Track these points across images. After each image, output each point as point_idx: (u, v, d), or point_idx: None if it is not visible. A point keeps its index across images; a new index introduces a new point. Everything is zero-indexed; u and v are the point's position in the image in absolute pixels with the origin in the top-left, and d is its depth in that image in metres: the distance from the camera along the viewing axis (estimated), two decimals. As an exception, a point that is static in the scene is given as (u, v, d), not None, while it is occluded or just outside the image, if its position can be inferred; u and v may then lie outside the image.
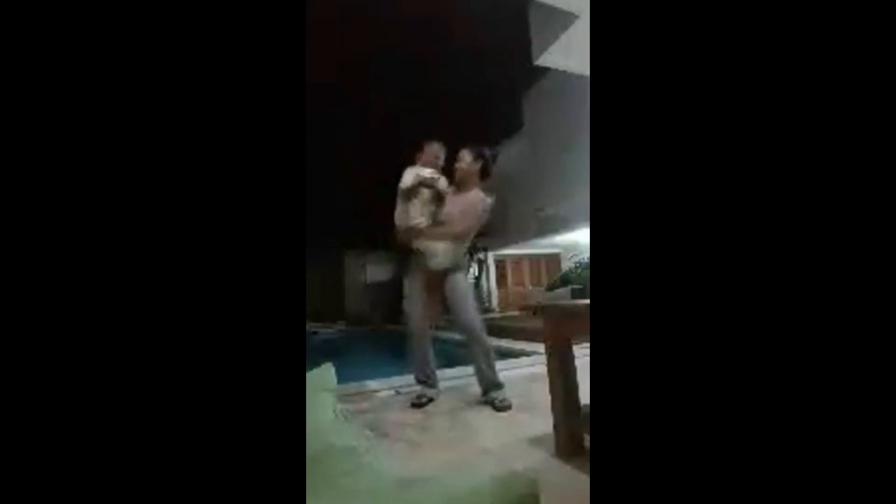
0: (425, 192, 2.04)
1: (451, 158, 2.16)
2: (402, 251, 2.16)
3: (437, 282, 2.04)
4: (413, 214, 2.02)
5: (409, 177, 2.04)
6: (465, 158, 2.10)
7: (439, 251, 2.01)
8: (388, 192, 2.19)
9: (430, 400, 2.00)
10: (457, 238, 2.05)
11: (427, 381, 2.05)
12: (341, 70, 4.09)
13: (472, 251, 8.41)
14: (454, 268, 2.04)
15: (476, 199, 2.09)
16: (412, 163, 2.13)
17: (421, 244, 2.03)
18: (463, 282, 2.08)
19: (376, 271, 10.37)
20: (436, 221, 2.04)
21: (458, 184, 2.11)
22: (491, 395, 1.91)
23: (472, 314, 2.02)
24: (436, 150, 2.15)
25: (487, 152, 2.16)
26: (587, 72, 2.29)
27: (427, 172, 2.04)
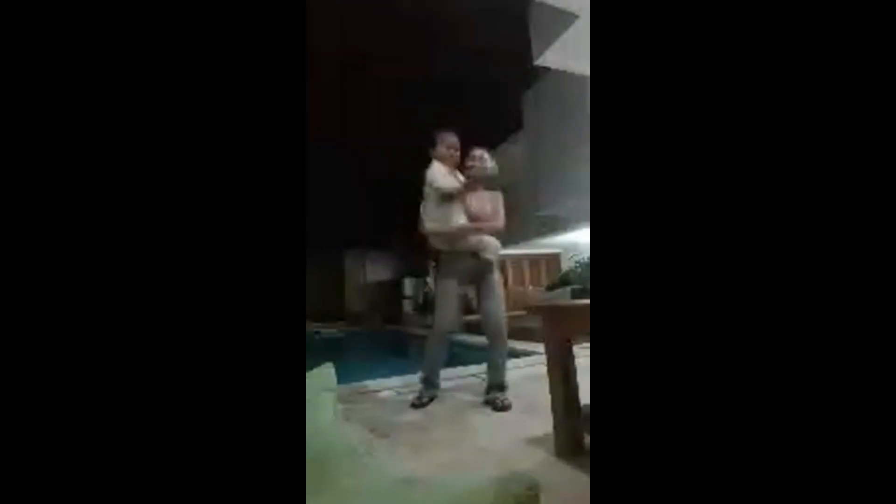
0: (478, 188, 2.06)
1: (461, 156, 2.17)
2: (435, 252, 2.16)
3: (471, 281, 2.07)
4: (456, 215, 2.02)
5: (446, 179, 2.03)
6: (487, 160, 2.12)
7: (492, 246, 2.06)
8: (387, 192, 2.19)
9: (431, 399, 2.00)
10: (500, 233, 2.11)
11: (432, 381, 2.05)
12: (341, 69, 4.09)
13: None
14: (494, 265, 2.08)
15: (496, 194, 2.15)
16: (426, 157, 2.11)
17: (472, 242, 2.03)
18: (498, 280, 2.10)
19: (376, 271, 10.38)
20: (473, 218, 2.06)
21: (476, 183, 2.13)
22: (493, 394, 1.91)
23: (503, 313, 2.05)
24: (452, 142, 2.14)
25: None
26: (587, 72, 2.29)
27: (462, 176, 2.05)
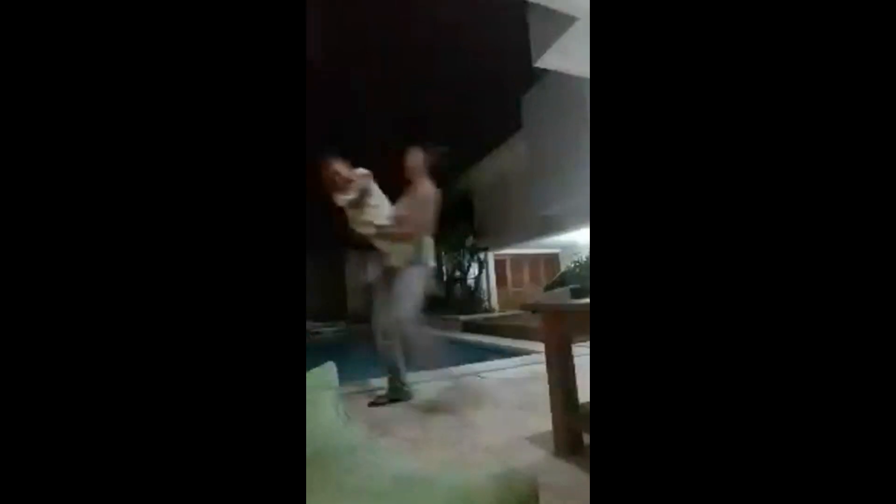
0: (366, 199, 2.07)
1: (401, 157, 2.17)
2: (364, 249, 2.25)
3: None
4: (366, 218, 2.08)
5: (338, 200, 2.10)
6: (416, 156, 2.14)
7: (393, 250, 2.11)
8: (389, 193, 2.20)
9: (392, 400, 2.00)
10: (407, 239, 2.08)
11: (394, 380, 2.04)
12: (342, 71, 4.09)
13: (472, 251, 8.44)
14: (410, 265, 2.07)
15: (424, 196, 2.11)
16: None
17: (378, 244, 2.14)
18: (410, 277, 2.05)
19: (377, 270, 10.38)
20: (395, 221, 2.08)
21: (408, 181, 2.15)
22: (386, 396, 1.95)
23: (405, 310, 1.99)
24: (335, 169, 2.11)
25: (438, 149, 2.17)
26: (587, 73, 2.29)
27: (348, 196, 2.06)
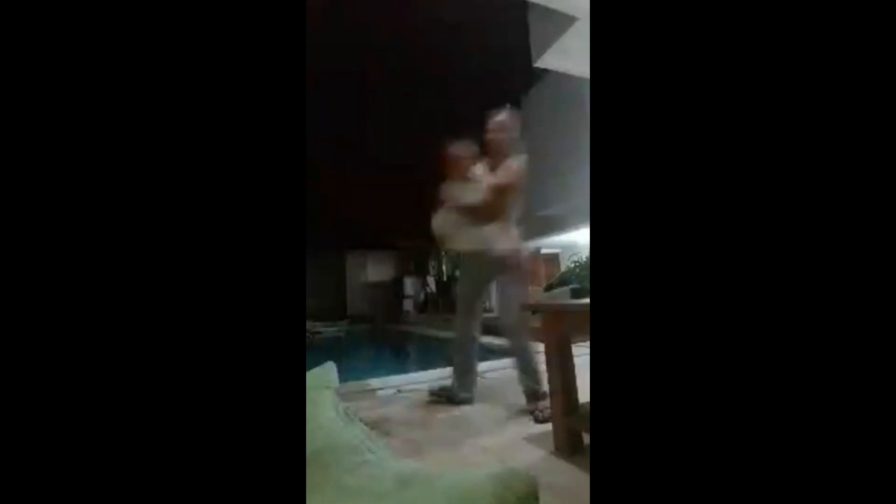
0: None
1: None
2: None
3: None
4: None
5: None
6: (501, 123, 1.86)
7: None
8: (390, 193, 2.18)
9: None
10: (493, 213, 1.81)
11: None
12: (342, 73, 4.09)
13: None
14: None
15: (517, 165, 1.83)
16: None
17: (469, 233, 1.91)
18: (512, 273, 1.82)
19: (377, 271, 10.41)
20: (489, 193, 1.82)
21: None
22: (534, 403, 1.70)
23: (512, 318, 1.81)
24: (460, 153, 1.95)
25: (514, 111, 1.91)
26: (587, 73, 2.30)
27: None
